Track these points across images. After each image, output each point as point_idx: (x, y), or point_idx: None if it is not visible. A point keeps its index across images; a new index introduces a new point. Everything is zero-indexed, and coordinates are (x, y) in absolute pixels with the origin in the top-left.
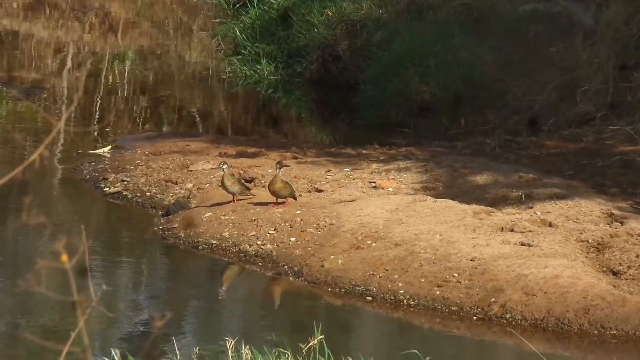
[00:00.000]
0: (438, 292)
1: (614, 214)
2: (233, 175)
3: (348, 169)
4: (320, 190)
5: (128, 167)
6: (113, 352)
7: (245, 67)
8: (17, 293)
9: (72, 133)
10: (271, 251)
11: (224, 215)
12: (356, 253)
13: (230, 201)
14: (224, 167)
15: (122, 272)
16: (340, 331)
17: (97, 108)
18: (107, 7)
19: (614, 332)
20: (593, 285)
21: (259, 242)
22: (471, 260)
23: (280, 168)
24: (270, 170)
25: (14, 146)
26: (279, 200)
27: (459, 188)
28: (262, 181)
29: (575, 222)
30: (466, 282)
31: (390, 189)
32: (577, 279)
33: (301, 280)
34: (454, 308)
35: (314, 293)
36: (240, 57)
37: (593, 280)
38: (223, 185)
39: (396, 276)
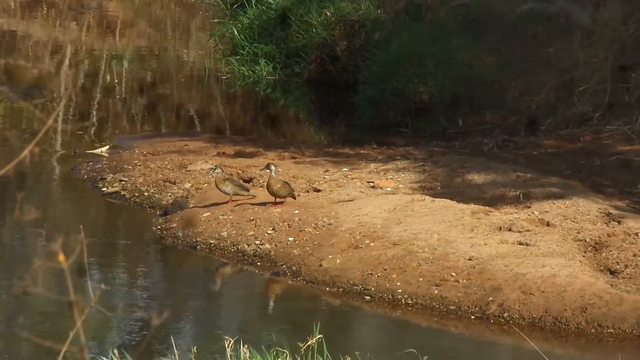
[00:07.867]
0: (436, 292)
1: (611, 214)
2: (227, 178)
3: (346, 169)
4: (318, 190)
5: (126, 167)
6: (111, 352)
7: (243, 67)
8: (15, 293)
9: (70, 133)
10: (269, 251)
11: (222, 215)
12: (354, 253)
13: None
14: (216, 171)
15: (119, 272)
16: (338, 330)
17: (95, 108)
18: (105, 7)
19: (611, 330)
20: (590, 284)
21: (257, 242)
22: (469, 259)
23: (269, 169)
24: (267, 171)
25: (10, 146)
26: (278, 200)
27: (456, 188)
28: (261, 181)
29: (573, 221)
30: (464, 281)
31: (389, 189)
32: (575, 278)
33: (299, 279)
34: (451, 307)
35: (312, 293)
36: (238, 57)
37: (590, 280)
38: (217, 187)
39: (394, 275)
